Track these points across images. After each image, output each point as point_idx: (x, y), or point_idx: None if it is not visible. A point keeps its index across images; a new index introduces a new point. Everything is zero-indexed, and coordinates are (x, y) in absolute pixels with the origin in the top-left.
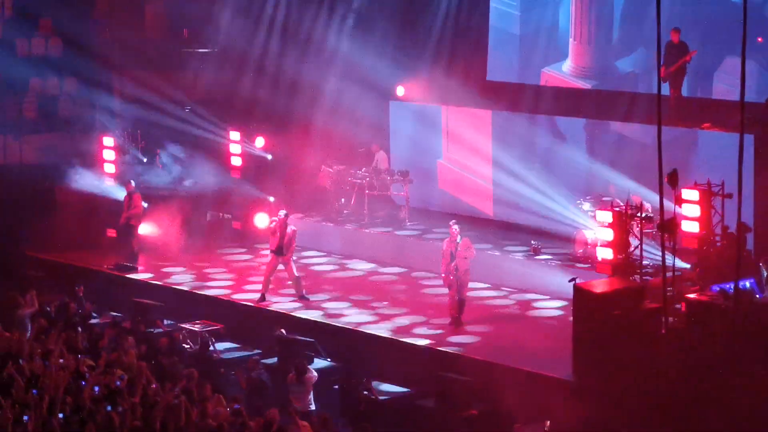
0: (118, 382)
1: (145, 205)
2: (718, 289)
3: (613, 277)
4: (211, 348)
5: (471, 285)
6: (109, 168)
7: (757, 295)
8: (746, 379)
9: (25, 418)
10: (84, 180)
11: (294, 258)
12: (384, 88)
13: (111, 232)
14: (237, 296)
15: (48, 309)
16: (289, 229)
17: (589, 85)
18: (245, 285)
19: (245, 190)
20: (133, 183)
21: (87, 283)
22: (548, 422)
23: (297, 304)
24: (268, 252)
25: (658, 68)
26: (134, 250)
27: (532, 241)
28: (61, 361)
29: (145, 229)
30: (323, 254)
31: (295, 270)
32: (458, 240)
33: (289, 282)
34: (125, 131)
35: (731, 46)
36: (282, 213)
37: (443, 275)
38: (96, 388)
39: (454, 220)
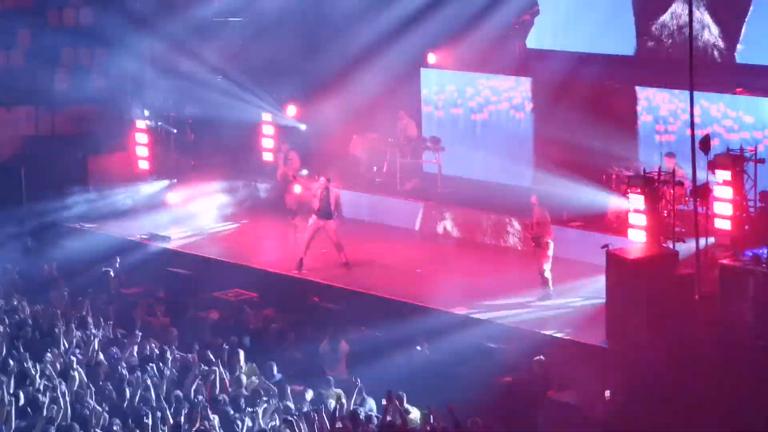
0: (151, 350)
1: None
2: (751, 254)
3: (646, 243)
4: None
5: None
6: (141, 138)
7: None
8: None
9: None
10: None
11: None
12: (415, 56)
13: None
14: (271, 264)
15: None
16: (333, 193)
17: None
18: (280, 254)
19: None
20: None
21: (122, 252)
22: (608, 392)
23: (333, 272)
24: (309, 218)
25: (690, 33)
26: (291, 207)
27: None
28: (95, 329)
29: (175, 198)
30: (358, 222)
31: (337, 236)
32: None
33: (323, 250)
34: (156, 101)
35: None
36: (323, 179)
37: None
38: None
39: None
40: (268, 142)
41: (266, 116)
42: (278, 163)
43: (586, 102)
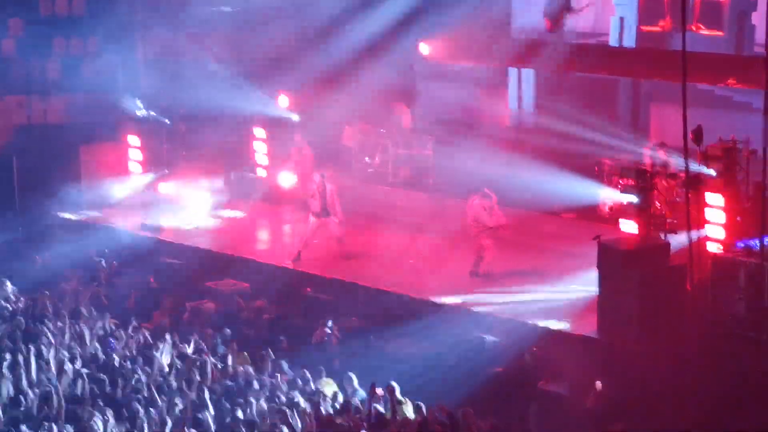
0: (144, 340)
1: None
2: (743, 245)
3: (638, 234)
4: None
5: None
6: (134, 129)
7: None
8: None
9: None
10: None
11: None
12: (408, 46)
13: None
14: (263, 255)
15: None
16: (329, 189)
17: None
18: (272, 244)
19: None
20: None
21: (114, 243)
22: (599, 383)
23: (325, 263)
24: (310, 215)
25: (683, 24)
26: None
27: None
28: (88, 320)
29: (168, 188)
30: (350, 213)
31: (339, 230)
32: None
33: (315, 240)
34: (149, 92)
35: None
36: (318, 176)
37: None
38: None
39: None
40: (260, 133)
41: (257, 107)
42: (291, 156)
43: (581, 92)
